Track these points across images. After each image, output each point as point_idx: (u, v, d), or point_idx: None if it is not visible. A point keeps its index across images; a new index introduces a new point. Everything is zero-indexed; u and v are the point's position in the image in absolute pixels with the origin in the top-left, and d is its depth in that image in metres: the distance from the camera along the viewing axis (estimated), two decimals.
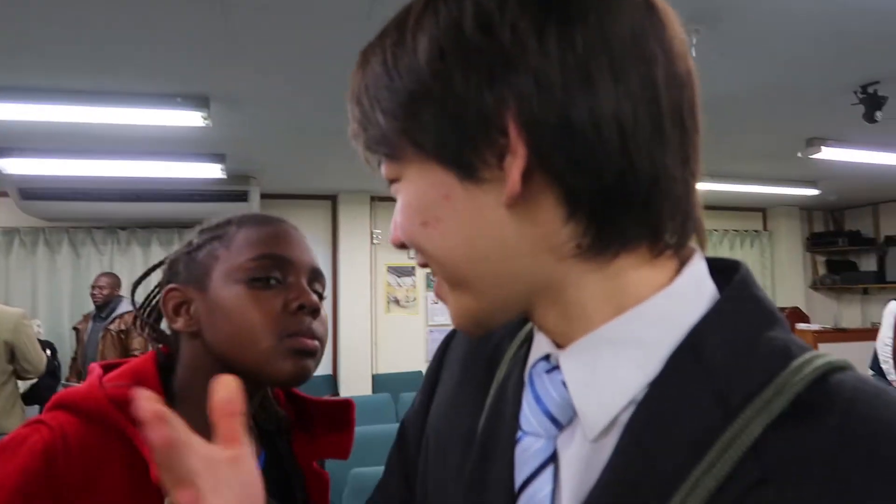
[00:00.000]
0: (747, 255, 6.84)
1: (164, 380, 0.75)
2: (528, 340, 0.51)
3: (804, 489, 0.33)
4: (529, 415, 0.45)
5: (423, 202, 0.44)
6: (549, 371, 0.45)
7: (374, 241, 5.59)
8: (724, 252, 6.74)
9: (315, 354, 0.75)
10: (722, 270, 0.44)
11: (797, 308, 5.84)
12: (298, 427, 0.84)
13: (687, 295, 0.42)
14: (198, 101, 2.95)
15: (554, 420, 0.44)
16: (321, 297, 0.80)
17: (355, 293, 5.46)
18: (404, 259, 5.74)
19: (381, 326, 5.63)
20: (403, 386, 5.09)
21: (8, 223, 4.79)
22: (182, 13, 2.17)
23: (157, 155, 3.83)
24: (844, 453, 0.33)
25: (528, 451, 0.44)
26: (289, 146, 3.96)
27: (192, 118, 3.01)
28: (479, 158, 0.40)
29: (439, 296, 0.48)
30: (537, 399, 0.45)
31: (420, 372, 5.68)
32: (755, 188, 5.37)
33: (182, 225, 5.03)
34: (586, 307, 0.42)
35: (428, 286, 5.79)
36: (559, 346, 0.44)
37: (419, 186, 0.44)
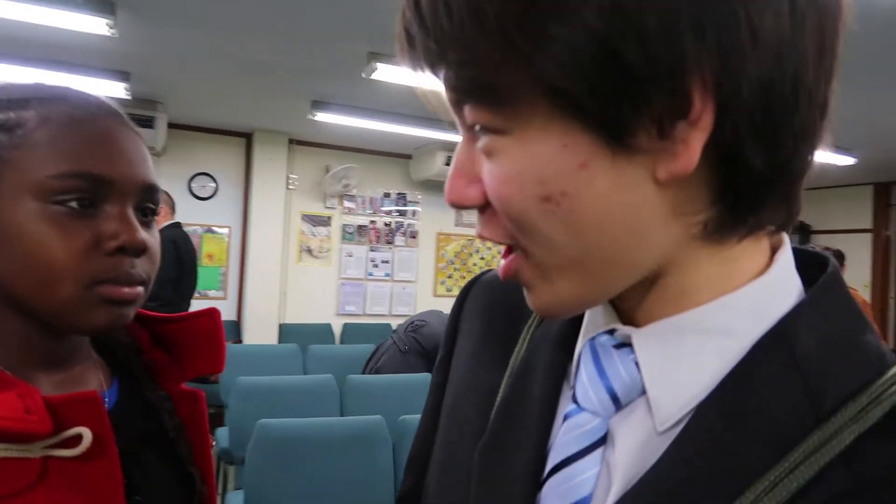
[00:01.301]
0: None
1: None
2: None
3: None
4: (589, 389, 0.40)
5: (547, 170, 0.34)
6: (616, 346, 0.40)
7: (290, 187, 5.37)
8: None
9: (136, 302, 0.61)
10: (805, 263, 0.41)
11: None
12: (157, 350, 0.72)
13: (779, 285, 0.38)
14: (103, 5, 2.64)
15: (615, 399, 0.39)
16: (154, 212, 0.64)
17: (266, 239, 5.24)
18: (320, 208, 5.56)
19: (292, 276, 5.46)
20: (311, 338, 4.97)
21: None
22: None
23: (52, 64, 3.43)
24: None
25: (579, 428, 0.40)
26: (204, 72, 3.66)
27: (94, 24, 2.69)
28: (640, 121, 0.32)
29: (521, 276, 0.38)
30: (601, 374, 0.40)
31: (329, 325, 5.58)
32: None
33: None
34: (687, 290, 0.38)
35: (344, 238, 5.65)
36: (627, 321, 0.40)
37: (545, 149, 0.34)
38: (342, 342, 5.47)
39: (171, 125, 4.74)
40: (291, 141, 5.33)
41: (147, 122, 4.31)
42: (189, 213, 4.95)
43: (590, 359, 0.41)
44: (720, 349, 0.37)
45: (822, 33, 0.33)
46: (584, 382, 0.41)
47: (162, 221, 3.81)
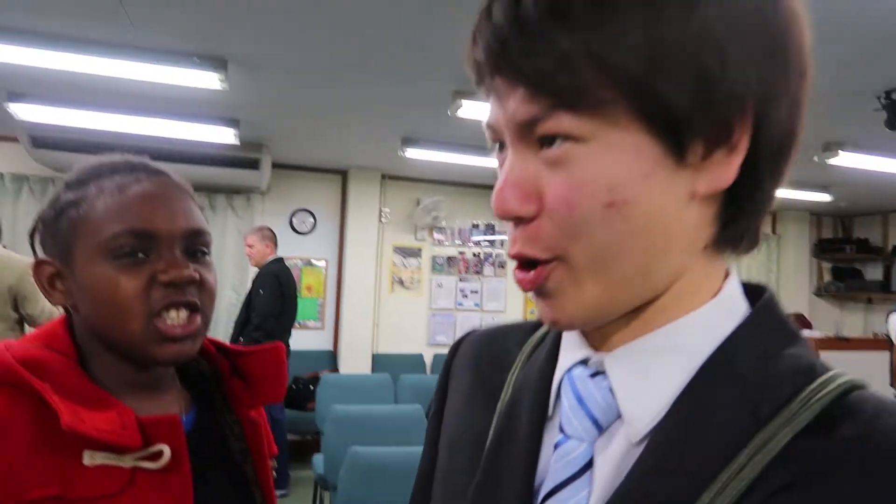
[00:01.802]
0: (754, 259, 6.79)
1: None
2: (539, 344, 0.52)
3: (828, 493, 0.35)
4: (573, 418, 0.44)
5: (619, 177, 0.37)
6: (591, 376, 0.44)
7: (383, 220, 5.56)
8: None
9: (193, 336, 0.72)
10: (748, 291, 0.46)
11: (800, 314, 5.80)
12: (236, 378, 0.83)
13: (729, 306, 0.43)
14: (216, 62, 2.91)
15: (596, 424, 0.43)
16: (205, 253, 0.76)
17: (361, 271, 5.44)
18: (411, 240, 5.72)
19: (384, 306, 5.62)
20: (403, 367, 5.09)
21: (18, 170, 4.75)
22: None
23: (171, 115, 3.79)
24: (867, 463, 0.35)
25: (568, 455, 0.43)
26: (303, 116, 3.92)
27: (209, 80, 2.97)
28: (696, 138, 0.37)
29: (549, 285, 0.41)
30: (580, 402, 0.44)
31: (421, 355, 5.67)
32: None
33: (192, 188, 5.00)
34: (666, 307, 0.42)
35: (434, 269, 5.77)
36: (595, 348, 0.45)
37: (619, 157, 0.37)
38: (433, 372, 5.55)
39: (275, 165, 5.06)
40: (384, 176, 5.53)
41: (253, 164, 4.63)
42: (290, 248, 5.23)
43: (569, 390, 0.45)
44: (681, 365, 0.41)
45: (805, 98, 0.41)
46: (567, 412, 0.44)
47: (267, 256, 4.07)
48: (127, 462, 0.65)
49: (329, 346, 5.52)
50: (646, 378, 0.41)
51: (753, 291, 0.45)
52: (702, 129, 0.37)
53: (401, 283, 5.71)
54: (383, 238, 5.62)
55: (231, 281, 5.15)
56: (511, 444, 0.47)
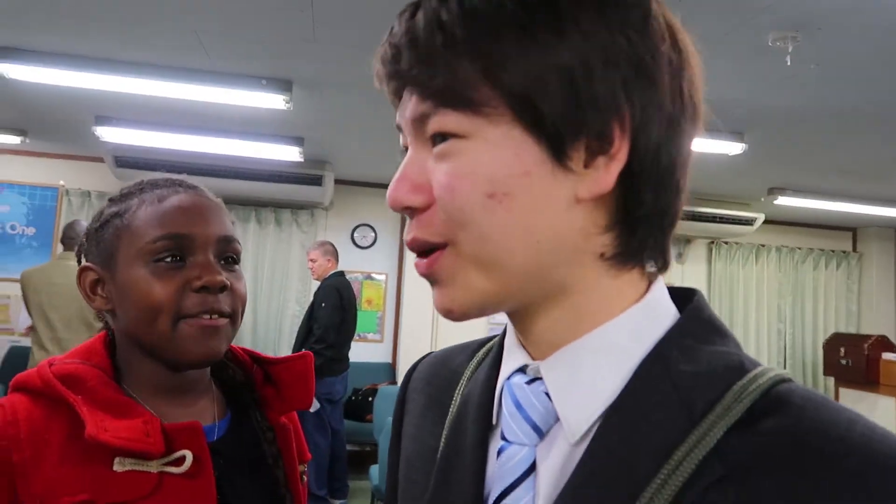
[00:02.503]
0: (832, 278, 6.47)
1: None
2: (484, 359, 0.54)
3: (762, 484, 0.37)
4: (512, 424, 0.46)
5: (498, 172, 0.41)
6: (528, 382, 0.46)
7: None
8: (807, 272, 6.42)
9: (220, 333, 0.76)
10: (680, 296, 0.48)
11: (884, 337, 5.48)
12: (269, 385, 0.87)
13: (656, 310, 0.45)
14: (282, 84, 3.05)
15: (536, 428, 0.45)
16: (236, 260, 0.80)
17: (419, 285, 5.50)
18: None
19: (443, 320, 5.62)
20: None
21: (104, 188, 5.09)
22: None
23: (240, 134, 3.98)
24: (796, 452, 0.37)
25: (511, 461, 0.45)
26: (364, 134, 4.03)
27: (275, 101, 3.11)
28: (577, 147, 0.41)
29: (441, 270, 0.44)
30: (519, 408, 0.46)
31: None
32: (845, 206, 5.08)
33: (258, 203, 5.22)
34: (587, 311, 0.45)
35: None
36: (533, 357, 0.47)
37: (498, 153, 0.41)
38: None
39: (337, 181, 5.21)
40: None
41: (317, 181, 4.79)
42: (351, 262, 5.37)
43: (509, 398, 0.47)
44: (612, 365, 0.43)
45: (692, 125, 0.45)
46: (508, 419, 0.46)
47: (328, 270, 4.19)
48: (154, 467, 0.69)
49: (388, 359, 5.61)
50: (580, 380, 0.44)
51: (683, 296, 0.48)
52: (578, 137, 0.41)
53: None
54: None
55: (295, 294, 5.33)
56: (459, 456, 0.49)
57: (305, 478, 0.89)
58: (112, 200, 0.81)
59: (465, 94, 0.41)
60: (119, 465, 0.68)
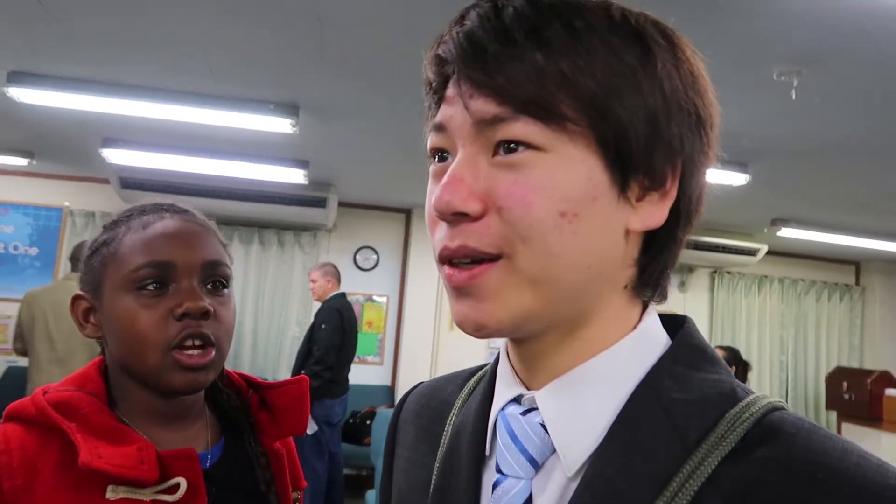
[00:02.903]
0: (835, 311, 6.44)
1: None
2: (475, 388, 0.54)
3: None
4: (508, 457, 0.45)
5: (572, 191, 0.40)
6: (523, 413, 0.45)
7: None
8: (810, 304, 6.39)
9: (207, 367, 0.75)
10: (671, 323, 0.48)
11: (888, 372, 5.43)
12: (264, 410, 0.86)
13: (648, 338, 0.46)
14: (288, 108, 3.07)
15: (532, 461, 0.44)
16: (224, 285, 0.79)
17: (421, 308, 5.50)
18: None
19: (443, 344, 5.64)
20: None
21: (108, 209, 5.10)
22: (282, 25, 2.26)
23: (246, 157, 4.00)
24: (789, 479, 0.37)
25: (507, 495, 0.44)
26: (369, 158, 4.06)
27: (281, 125, 3.13)
28: (637, 181, 0.43)
29: (485, 284, 0.41)
30: (514, 440, 0.45)
31: None
32: (848, 239, 5.07)
33: (262, 225, 5.23)
34: (592, 340, 0.45)
35: None
36: (528, 386, 0.46)
37: (574, 172, 0.41)
38: None
39: (341, 203, 5.23)
40: None
41: (321, 203, 4.80)
42: (353, 284, 5.36)
43: (504, 429, 0.46)
44: (607, 395, 0.43)
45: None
46: (503, 451, 0.45)
47: (328, 292, 4.18)
48: (147, 495, 0.69)
49: (387, 382, 5.57)
50: (576, 411, 0.43)
51: (673, 323, 0.48)
52: (643, 169, 0.42)
53: None
54: None
55: (296, 315, 5.31)
56: (452, 489, 0.48)
57: None
58: (105, 228, 0.81)
59: (552, 106, 0.40)
60: (112, 493, 0.68)
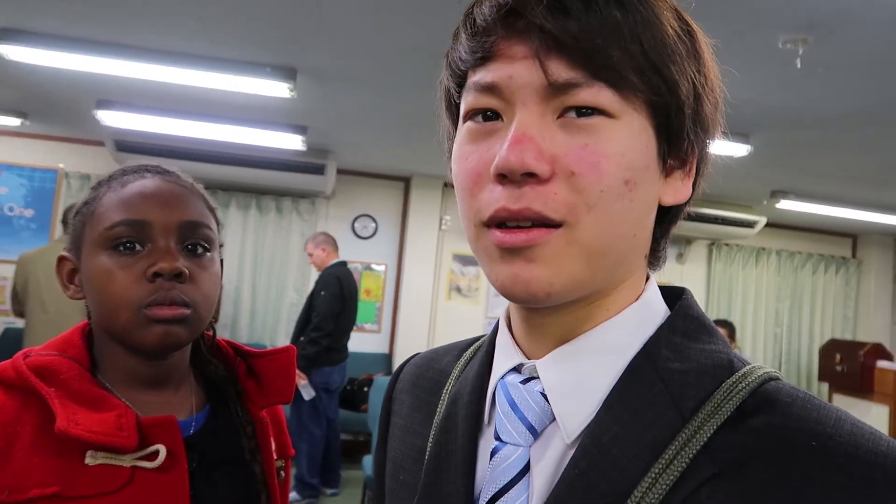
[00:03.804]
0: (830, 283, 6.47)
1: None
2: (472, 359, 0.54)
3: (752, 480, 0.37)
4: (507, 425, 0.45)
5: (635, 159, 0.42)
6: (523, 382, 0.45)
7: (443, 227, 5.62)
8: (806, 277, 6.42)
9: (183, 321, 0.74)
10: (670, 294, 0.49)
11: (880, 344, 5.48)
12: (251, 379, 0.85)
13: (649, 309, 0.46)
14: (286, 72, 3.02)
15: (531, 429, 0.44)
16: (206, 248, 0.77)
17: (419, 277, 5.51)
18: (471, 249, 5.73)
19: (441, 313, 5.67)
20: None
21: (103, 172, 5.01)
22: None
23: (243, 122, 3.95)
24: (786, 450, 0.37)
25: (505, 462, 0.44)
26: (368, 124, 4.01)
27: (279, 89, 3.08)
28: (673, 153, 0.45)
29: (545, 249, 0.40)
30: (514, 408, 0.45)
31: None
32: (847, 212, 5.07)
33: (260, 191, 5.20)
34: (603, 308, 0.45)
35: None
36: (528, 356, 0.47)
37: (637, 141, 0.42)
38: None
39: (340, 171, 5.19)
40: (445, 184, 5.58)
41: (319, 170, 4.77)
42: (351, 252, 5.35)
43: (503, 397, 0.46)
44: (609, 365, 0.44)
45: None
46: (503, 419, 0.45)
47: (326, 260, 4.18)
48: (126, 461, 0.68)
49: (385, 350, 5.61)
50: (577, 380, 0.44)
51: (672, 294, 0.48)
52: (682, 144, 0.44)
53: (458, 290, 5.75)
54: (443, 245, 5.67)
55: (293, 282, 5.32)
56: (449, 457, 0.48)
57: (283, 474, 0.87)
58: (91, 189, 0.80)
59: (627, 75, 0.40)
60: (91, 459, 0.67)
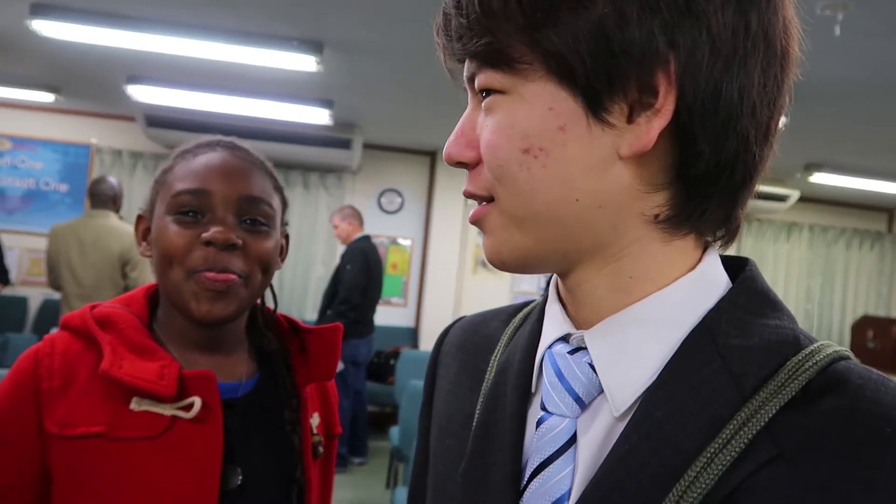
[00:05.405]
0: (865, 259, 6.32)
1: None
2: (520, 326, 0.54)
3: (817, 465, 0.35)
4: (554, 395, 0.45)
5: (533, 126, 0.41)
6: (571, 352, 0.45)
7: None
8: (839, 252, 6.28)
9: (228, 293, 0.76)
10: (732, 265, 0.46)
11: None
12: (302, 354, 0.88)
13: (708, 280, 0.43)
14: (313, 46, 3.02)
15: (578, 400, 0.44)
16: (264, 223, 0.80)
17: (445, 251, 5.52)
18: None
19: (467, 287, 5.69)
20: None
21: (135, 147, 5.15)
22: None
23: (270, 95, 3.97)
24: (854, 432, 0.35)
25: (551, 432, 0.44)
26: (395, 98, 4.00)
27: (305, 62, 3.08)
28: (617, 100, 0.39)
29: (486, 222, 0.45)
30: (561, 378, 0.44)
31: None
32: (883, 185, 4.93)
33: (286, 165, 5.24)
34: (636, 278, 0.43)
35: None
36: (577, 325, 0.45)
37: (534, 108, 0.41)
38: None
39: (366, 145, 5.20)
40: None
41: (345, 144, 4.77)
42: (377, 226, 5.38)
43: (550, 367, 0.45)
44: (660, 338, 0.42)
45: (767, 64, 0.41)
46: (549, 389, 0.45)
47: (352, 234, 4.21)
48: (167, 410, 0.73)
49: (411, 323, 5.66)
50: (626, 352, 0.42)
51: (735, 266, 0.46)
52: (615, 89, 0.39)
53: (484, 264, 5.75)
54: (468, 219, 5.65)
55: (321, 255, 5.38)
56: (497, 425, 0.48)
57: (321, 449, 0.88)
58: (171, 157, 0.85)
59: (501, 53, 0.41)
60: (136, 405, 0.72)
